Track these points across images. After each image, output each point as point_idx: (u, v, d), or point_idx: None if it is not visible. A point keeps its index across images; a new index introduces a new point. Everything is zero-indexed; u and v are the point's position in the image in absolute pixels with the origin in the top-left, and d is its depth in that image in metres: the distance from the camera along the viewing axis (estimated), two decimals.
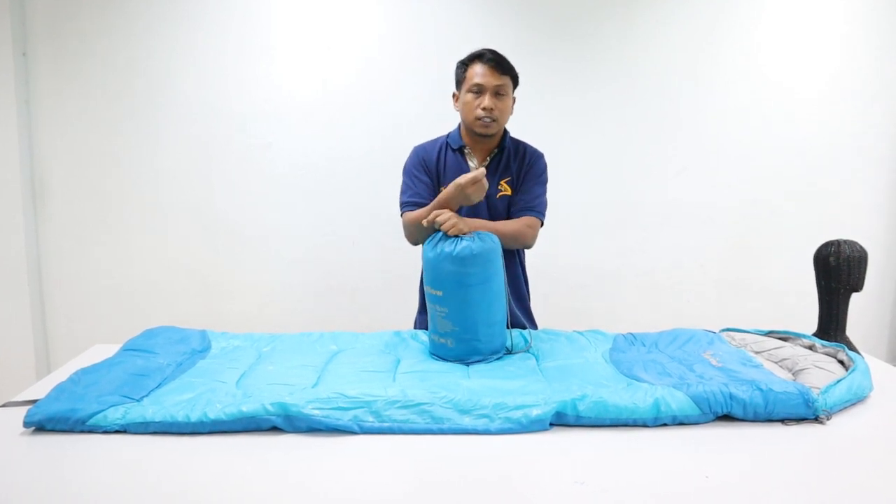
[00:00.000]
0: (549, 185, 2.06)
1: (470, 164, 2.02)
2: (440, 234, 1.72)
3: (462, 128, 2.04)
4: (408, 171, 2.04)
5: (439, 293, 1.71)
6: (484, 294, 1.70)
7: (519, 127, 3.10)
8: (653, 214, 3.22)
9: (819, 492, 1.11)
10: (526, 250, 2.11)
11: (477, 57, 1.93)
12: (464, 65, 1.96)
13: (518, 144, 2.07)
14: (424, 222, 1.76)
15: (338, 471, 1.19)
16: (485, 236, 1.71)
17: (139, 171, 3.09)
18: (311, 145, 3.11)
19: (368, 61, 3.08)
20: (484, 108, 1.90)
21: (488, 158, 2.03)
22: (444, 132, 2.10)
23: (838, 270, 1.86)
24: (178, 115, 3.07)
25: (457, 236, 1.69)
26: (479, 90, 1.91)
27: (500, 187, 2.01)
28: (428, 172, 2.01)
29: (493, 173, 2.00)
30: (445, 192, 1.81)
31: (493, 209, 2.00)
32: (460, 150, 2.03)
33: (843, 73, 3.14)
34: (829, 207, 3.22)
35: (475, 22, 3.06)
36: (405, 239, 2.01)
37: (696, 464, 1.21)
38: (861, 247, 1.88)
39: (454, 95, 2.03)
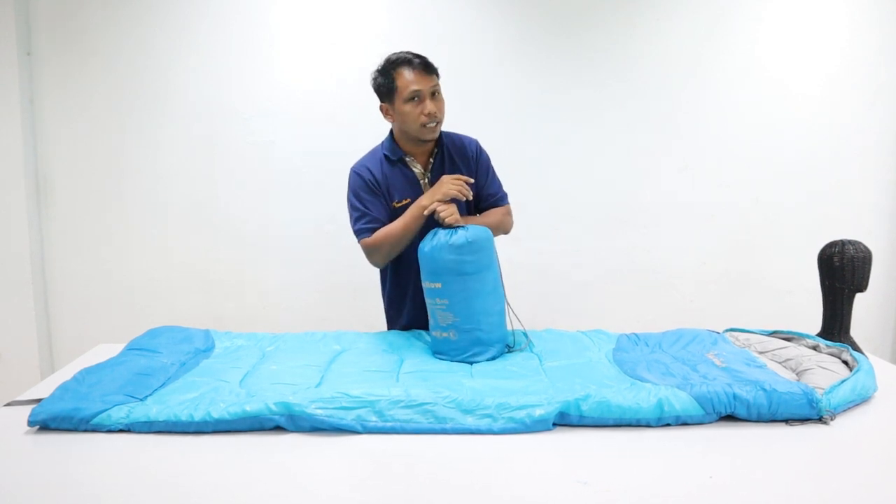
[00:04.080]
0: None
1: (414, 170, 1.98)
2: (435, 230, 1.79)
3: (397, 137, 1.98)
4: (356, 194, 1.95)
5: (438, 285, 1.73)
6: (482, 283, 1.74)
7: (519, 125, 3.13)
8: (655, 213, 3.21)
9: (823, 492, 1.11)
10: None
11: (402, 63, 1.86)
12: (387, 73, 1.88)
13: (452, 138, 2.03)
14: (426, 211, 1.80)
15: (341, 470, 1.19)
16: (477, 228, 1.78)
17: (143, 170, 3.09)
18: (313, 143, 3.11)
19: (371, 59, 3.06)
20: (428, 114, 1.85)
21: (431, 161, 1.99)
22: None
23: (842, 270, 1.85)
24: (181, 113, 3.07)
25: (453, 228, 1.76)
26: (417, 97, 1.85)
27: None
28: (377, 191, 1.95)
29: (440, 174, 1.93)
30: (426, 195, 1.85)
31: (458, 206, 1.93)
32: (401, 160, 1.97)
33: (846, 71, 3.12)
34: (833, 207, 3.21)
35: (477, 19, 3.06)
36: (371, 266, 2.01)
37: (700, 464, 1.21)
38: (865, 247, 1.88)
39: (383, 108, 1.94)
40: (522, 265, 3.10)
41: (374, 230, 1.91)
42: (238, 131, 3.09)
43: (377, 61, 3.12)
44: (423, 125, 1.87)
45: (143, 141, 3.07)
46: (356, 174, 1.98)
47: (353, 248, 3.16)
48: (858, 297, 1.90)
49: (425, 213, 1.81)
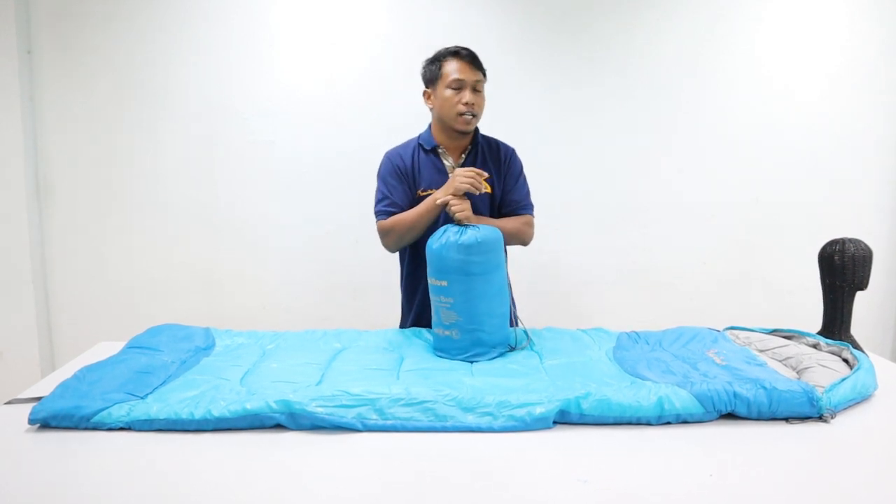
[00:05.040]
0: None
1: (445, 163, 2.02)
2: (445, 227, 1.77)
3: (435, 127, 2.04)
4: (383, 178, 2.03)
5: (444, 283, 1.73)
6: (488, 284, 1.73)
7: (519, 125, 3.12)
8: (655, 213, 3.22)
9: (823, 490, 1.11)
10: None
11: (452, 53, 1.94)
12: (437, 61, 1.96)
13: (489, 141, 2.08)
14: (439, 201, 1.83)
15: (341, 468, 1.19)
16: (488, 228, 1.77)
17: (143, 169, 3.10)
18: (313, 143, 3.11)
19: (372, 58, 3.08)
20: (466, 104, 1.92)
21: (463, 156, 2.03)
22: None
23: (843, 269, 1.85)
24: (181, 112, 3.07)
25: (462, 226, 1.75)
26: (459, 86, 1.92)
27: None
28: (403, 178, 2.00)
29: None
30: (441, 188, 1.87)
31: (475, 206, 1.97)
32: (434, 150, 2.02)
33: (846, 71, 3.13)
34: (834, 206, 3.21)
35: (478, 19, 3.06)
36: (384, 248, 2.05)
37: (700, 462, 1.21)
38: (866, 245, 1.88)
39: (426, 94, 2.02)
40: (523, 264, 3.10)
41: (390, 213, 1.97)
42: (238, 131, 3.09)
43: (377, 61, 3.14)
44: (460, 114, 1.93)
45: (144, 140, 3.07)
46: (388, 159, 2.05)
47: (353, 247, 3.20)
48: (859, 295, 1.90)
49: (437, 202, 1.84)
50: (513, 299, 1.88)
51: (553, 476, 1.16)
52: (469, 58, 1.93)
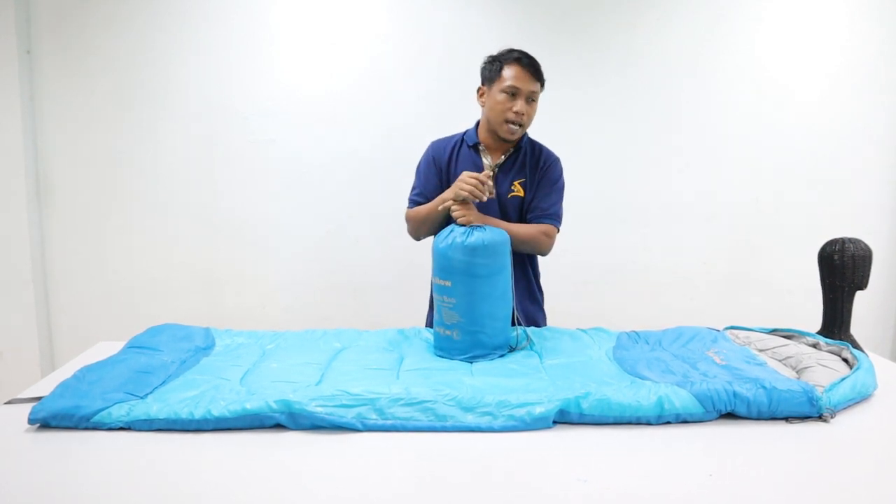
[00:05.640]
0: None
1: (484, 160, 2.00)
2: (451, 227, 1.76)
3: (481, 125, 2.02)
4: (419, 167, 2.07)
5: (447, 283, 1.72)
6: (491, 287, 1.72)
7: None
8: (656, 211, 3.22)
9: (823, 490, 1.11)
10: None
11: (515, 59, 1.89)
12: (498, 62, 1.91)
13: (534, 146, 2.05)
14: (440, 207, 1.84)
15: (341, 468, 1.19)
16: (495, 231, 1.75)
17: (143, 168, 3.10)
18: (314, 142, 3.12)
19: (372, 58, 3.08)
20: (516, 112, 1.88)
21: (503, 157, 2.00)
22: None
23: (843, 268, 1.85)
24: (181, 111, 3.07)
25: (470, 227, 1.73)
26: (514, 92, 1.88)
27: (512, 187, 1.99)
28: (438, 170, 2.01)
29: (507, 172, 1.99)
30: (449, 189, 1.86)
31: (503, 209, 1.98)
32: (475, 146, 2.01)
33: (846, 70, 3.13)
34: (834, 205, 3.21)
35: (479, 19, 3.06)
36: (408, 235, 2.07)
37: (700, 462, 1.21)
38: (866, 245, 1.88)
39: (479, 90, 1.98)
40: None
41: (416, 203, 2.01)
42: (238, 131, 3.09)
43: (377, 61, 3.14)
44: (507, 121, 1.90)
45: (144, 140, 3.08)
46: (429, 149, 2.08)
47: (353, 247, 3.20)
48: (859, 294, 1.90)
49: (439, 208, 1.85)
50: (525, 300, 1.88)
51: (553, 476, 1.16)
52: (531, 67, 1.88)
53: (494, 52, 1.95)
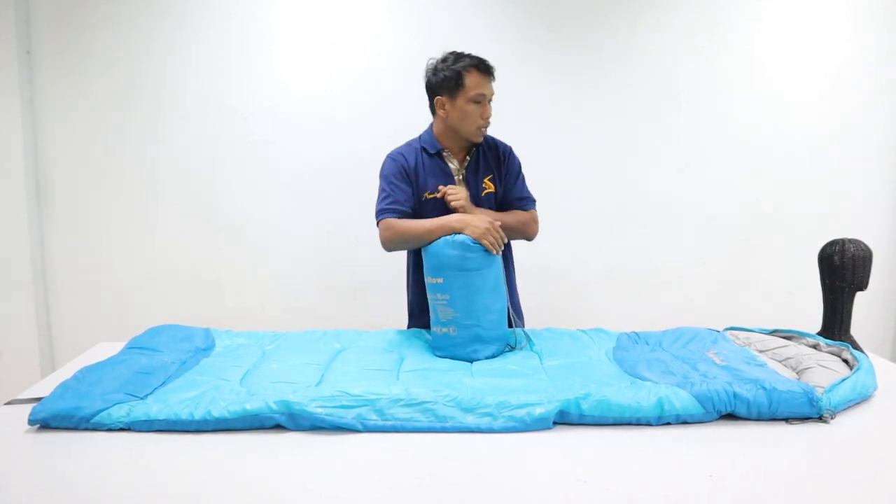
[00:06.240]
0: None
1: (450, 165, 2.00)
2: None
3: (441, 132, 1.99)
4: (386, 178, 1.98)
5: (440, 280, 1.74)
6: (484, 279, 1.74)
7: (519, 125, 3.12)
8: (655, 213, 3.21)
9: (823, 491, 1.11)
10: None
11: (473, 65, 1.89)
12: (455, 71, 1.88)
13: (487, 140, 2.06)
14: (438, 193, 1.88)
15: (341, 469, 1.19)
16: None
17: (142, 169, 3.09)
18: (313, 143, 3.11)
19: (371, 58, 3.08)
20: (485, 118, 1.92)
21: (467, 158, 2.02)
22: None
23: (843, 269, 1.85)
24: (181, 112, 3.07)
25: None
26: (481, 100, 1.90)
27: (484, 185, 2.01)
28: (408, 180, 1.97)
29: (475, 172, 2.00)
30: (461, 219, 1.81)
31: (480, 207, 1.98)
32: (438, 153, 2.00)
33: (846, 71, 3.12)
34: (834, 206, 3.21)
35: (478, 19, 3.05)
36: (379, 242, 1.98)
37: (700, 463, 1.21)
38: (866, 246, 1.88)
39: (438, 101, 1.94)
40: (522, 264, 3.10)
41: (393, 211, 1.92)
42: (238, 131, 3.09)
43: (377, 61, 3.13)
44: (479, 127, 1.93)
45: (143, 140, 3.07)
46: (391, 159, 2.02)
47: (353, 247, 3.19)
48: (859, 295, 1.90)
49: (438, 195, 1.89)
50: (513, 300, 1.88)
51: (553, 476, 1.16)
52: (487, 70, 1.91)
53: (438, 57, 1.95)
